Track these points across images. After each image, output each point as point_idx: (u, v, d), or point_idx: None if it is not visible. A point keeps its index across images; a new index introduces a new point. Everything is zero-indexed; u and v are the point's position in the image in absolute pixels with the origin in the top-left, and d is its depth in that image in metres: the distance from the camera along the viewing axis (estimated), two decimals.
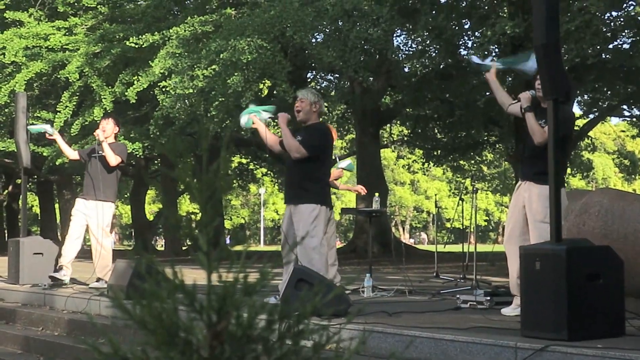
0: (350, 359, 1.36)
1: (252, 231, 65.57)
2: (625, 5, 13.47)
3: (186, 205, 46.68)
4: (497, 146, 22.73)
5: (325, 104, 9.75)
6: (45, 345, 6.28)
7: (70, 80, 15.13)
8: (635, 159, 33.53)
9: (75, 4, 16.72)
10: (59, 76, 15.37)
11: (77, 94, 15.70)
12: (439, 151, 22.85)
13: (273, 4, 13.28)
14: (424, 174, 61.09)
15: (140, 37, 14.05)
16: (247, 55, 12.43)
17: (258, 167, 29.26)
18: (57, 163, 16.85)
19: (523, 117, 5.29)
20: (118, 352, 1.29)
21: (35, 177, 26.16)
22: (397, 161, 53.31)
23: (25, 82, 15.02)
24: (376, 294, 7.36)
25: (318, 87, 21.44)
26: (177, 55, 13.54)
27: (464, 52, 15.74)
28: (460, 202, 10.41)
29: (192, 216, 1.41)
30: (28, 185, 12.69)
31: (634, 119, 22.61)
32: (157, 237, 46.10)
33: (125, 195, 35.17)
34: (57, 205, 28.79)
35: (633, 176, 39.21)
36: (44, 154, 17.18)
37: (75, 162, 9.12)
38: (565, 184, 5.93)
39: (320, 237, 6.02)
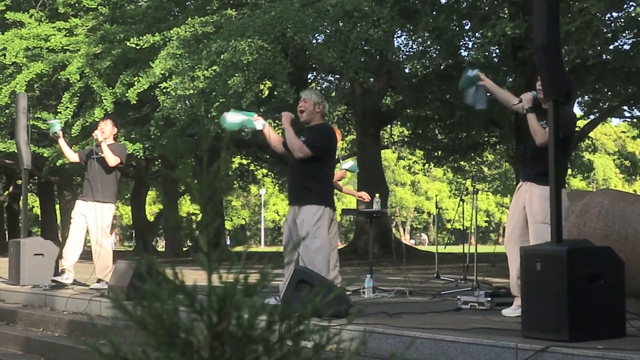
0: (350, 359, 1.36)
1: (252, 232, 65.61)
2: (625, 6, 13.48)
3: (187, 206, 46.68)
4: (498, 147, 22.74)
5: None
6: (45, 346, 6.28)
7: (70, 81, 15.13)
8: (635, 160, 33.53)
9: (76, 4, 16.73)
10: (59, 77, 15.37)
11: (78, 94, 15.70)
12: (440, 152, 22.85)
13: (274, 4, 13.28)
14: (425, 175, 61.14)
15: (140, 38, 14.05)
16: (248, 56, 12.43)
17: (259, 168, 29.27)
18: (57, 164, 16.86)
19: (525, 118, 5.30)
20: (119, 353, 1.29)
21: (36, 178, 26.17)
22: (398, 162, 53.32)
23: (26, 83, 15.03)
24: (377, 294, 7.36)
25: (319, 88, 21.43)
26: (178, 56, 13.54)
27: (464, 53, 15.75)
28: (461, 203, 10.41)
29: (193, 217, 1.41)
30: (29, 186, 12.70)
31: (635, 120, 22.62)
32: (158, 238, 46.12)
33: (126, 196, 35.19)
34: (57, 206, 28.78)
35: (633, 177, 39.20)
36: (45, 154, 17.20)
37: (75, 163, 9.12)
38: (566, 185, 5.93)
39: (323, 238, 6.02)
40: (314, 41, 14.65)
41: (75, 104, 15.75)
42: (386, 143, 26.02)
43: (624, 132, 35.71)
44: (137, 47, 14.05)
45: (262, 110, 15.90)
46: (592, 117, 21.02)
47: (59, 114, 15.36)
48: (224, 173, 1.37)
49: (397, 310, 5.65)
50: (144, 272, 1.41)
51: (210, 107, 13.28)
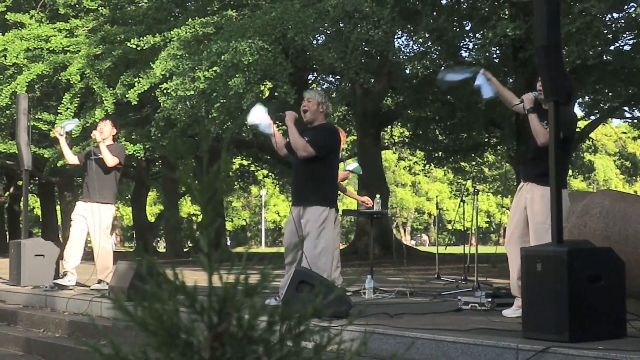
0: None
1: (253, 233, 65.61)
2: (626, 7, 13.47)
3: (187, 207, 46.67)
4: (498, 148, 22.72)
5: None
6: (46, 347, 6.28)
7: (71, 82, 15.13)
8: (636, 161, 33.52)
9: (77, 5, 16.73)
10: (60, 78, 15.37)
11: (79, 95, 15.71)
12: (440, 153, 22.84)
13: (274, 5, 13.28)
14: (425, 176, 61.13)
15: (141, 38, 14.05)
16: (248, 56, 12.43)
17: (259, 168, 29.27)
18: (58, 165, 16.86)
19: (526, 118, 5.30)
20: (119, 354, 1.29)
21: (37, 178, 26.17)
22: (398, 163, 53.36)
23: (27, 83, 15.02)
24: (377, 295, 7.36)
25: (319, 89, 21.43)
26: (178, 56, 13.54)
27: (465, 54, 15.75)
28: (462, 203, 10.41)
29: (193, 218, 1.41)
30: (29, 187, 12.70)
31: (635, 121, 22.62)
32: (159, 239, 46.09)
33: (127, 197, 35.18)
34: (58, 207, 28.79)
35: (634, 178, 39.17)
36: (45, 155, 17.19)
37: (74, 166, 9.12)
38: (567, 186, 5.93)
39: (328, 239, 6.01)
40: (315, 42, 14.64)
41: (75, 105, 15.75)
42: (387, 144, 26.02)
43: (624, 132, 35.68)
44: (138, 48, 14.05)
45: None
46: (592, 117, 21.00)
47: (59, 115, 15.36)
48: (225, 174, 1.37)
49: (397, 311, 5.65)
50: (145, 272, 1.41)
51: (210, 108, 13.28)
